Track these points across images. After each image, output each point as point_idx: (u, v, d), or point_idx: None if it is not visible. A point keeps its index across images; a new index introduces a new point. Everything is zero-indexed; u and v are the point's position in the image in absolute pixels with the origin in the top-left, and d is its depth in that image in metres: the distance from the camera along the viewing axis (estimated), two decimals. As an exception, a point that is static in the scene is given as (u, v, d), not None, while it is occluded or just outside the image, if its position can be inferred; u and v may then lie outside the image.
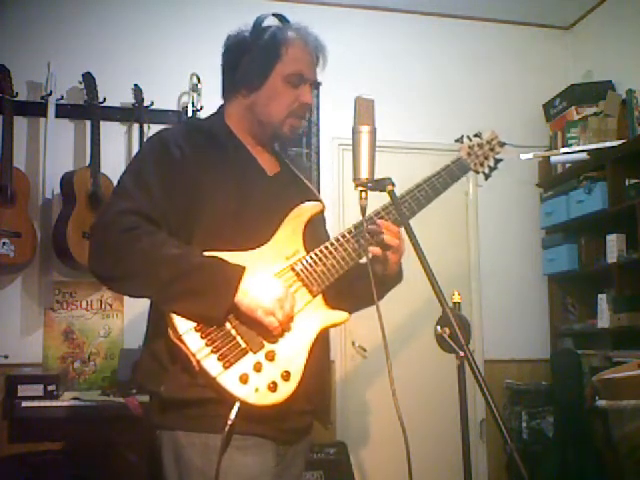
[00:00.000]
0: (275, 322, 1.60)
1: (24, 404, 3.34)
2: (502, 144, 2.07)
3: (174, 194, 1.68)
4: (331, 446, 3.84)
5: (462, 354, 1.38)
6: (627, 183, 3.82)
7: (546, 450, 3.87)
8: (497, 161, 2.06)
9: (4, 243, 3.55)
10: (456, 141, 2.01)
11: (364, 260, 1.77)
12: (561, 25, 4.80)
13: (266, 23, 1.81)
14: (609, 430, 3.03)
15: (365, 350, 4.21)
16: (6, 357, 3.63)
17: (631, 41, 4.23)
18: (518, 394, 4.21)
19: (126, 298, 3.87)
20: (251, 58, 1.77)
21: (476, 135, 2.04)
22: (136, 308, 3.77)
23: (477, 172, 2.02)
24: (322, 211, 1.82)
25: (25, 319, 3.80)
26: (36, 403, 3.36)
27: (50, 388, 3.43)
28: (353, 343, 4.22)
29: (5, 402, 3.52)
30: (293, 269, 1.70)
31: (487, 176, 2.05)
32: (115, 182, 4.04)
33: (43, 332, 3.80)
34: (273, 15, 1.83)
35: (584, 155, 4.07)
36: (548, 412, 4.02)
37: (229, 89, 1.85)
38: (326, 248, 1.73)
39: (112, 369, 3.80)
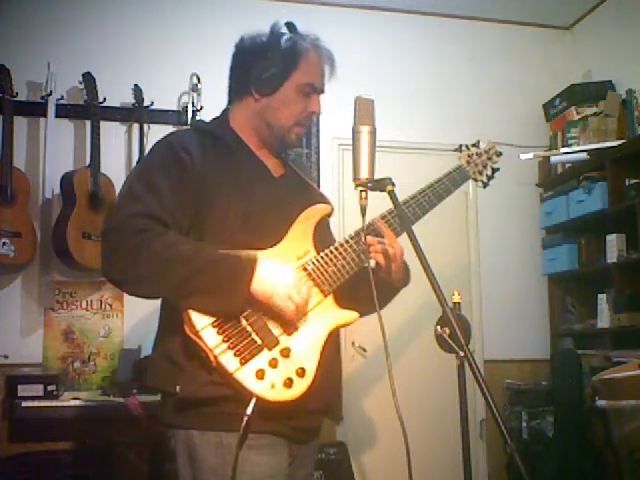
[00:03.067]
0: (292, 306, 1.62)
1: (24, 404, 3.34)
2: (499, 154, 2.14)
3: (183, 197, 1.69)
4: (331, 446, 3.85)
5: (462, 354, 1.38)
6: (627, 183, 3.82)
7: (546, 450, 3.87)
8: (494, 170, 2.12)
9: (4, 243, 3.55)
10: (455, 150, 2.06)
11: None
12: (561, 25, 4.80)
13: (282, 30, 1.84)
14: (609, 430, 3.03)
15: (365, 350, 4.21)
16: (6, 357, 3.63)
17: (631, 41, 4.23)
18: (518, 394, 4.20)
19: (126, 298, 3.87)
20: (268, 63, 1.79)
21: (474, 145, 2.10)
22: (136, 308, 3.78)
23: (476, 180, 2.08)
24: (331, 213, 1.86)
25: (25, 319, 3.80)
26: (36, 403, 3.36)
27: (50, 388, 3.42)
28: (353, 343, 4.22)
29: (5, 402, 3.52)
30: (305, 269, 1.72)
31: (485, 184, 2.10)
32: (115, 182, 4.06)
33: (43, 332, 3.80)
34: (286, 24, 1.85)
35: (584, 155, 4.07)
36: (548, 412, 4.02)
37: (238, 91, 1.86)
38: (336, 249, 1.75)
39: (112, 369, 3.80)
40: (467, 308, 4.32)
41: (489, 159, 2.10)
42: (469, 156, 2.06)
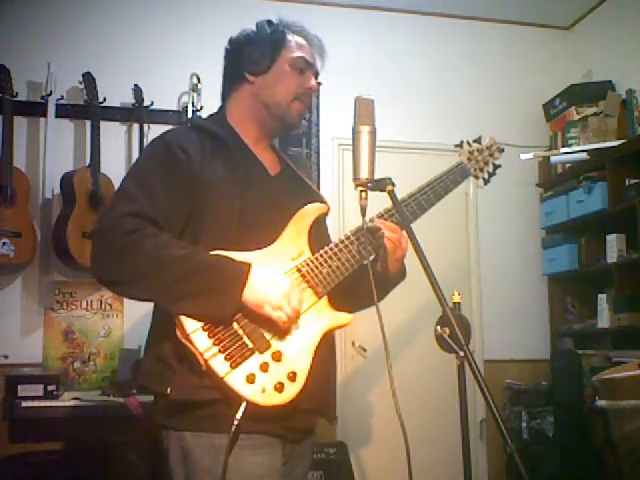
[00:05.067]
0: (284, 316, 1.60)
1: (24, 404, 3.34)
2: (501, 150, 2.10)
3: (177, 197, 1.68)
4: (331, 446, 3.84)
5: (462, 354, 1.38)
6: (627, 183, 3.82)
7: (546, 450, 3.87)
8: (496, 167, 2.09)
9: (4, 243, 3.55)
10: (456, 146, 2.03)
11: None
12: (561, 25, 4.80)
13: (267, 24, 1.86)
14: (609, 430, 3.03)
15: (365, 350, 4.21)
16: (6, 357, 3.63)
17: (631, 41, 4.23)
18: (518, 394, 4.20)
19: (126, 298, 3.87)
20: (256, 45, 1.82)
21: (476, 140, 2.06)
22: (136, 308, 3.77)
23: (477, 177, 2.04)
24: (327, 212, 1.84)
25: (25, 319, 3.80)
26: (36, 403, 3.35)
27: (50, 388, 3.42)
28: (353, 343, 4.22)
29: (5, 402, 3.52)
30: (299, 270, 1.70)
31: (486, 181, 2.07)
32: (115, 182, 4.07)
33: (43, 332, 3.80)
34: (267, 20, 1.87)
35: (584, 155, 4.07)
36: (548, 412, 4.02)
37: (232, 82, 1.87)
38: (331, 249, 1.73)
39: (112, 369, 3.80)
40: (467, 308, 4.33)
41: (490, 155, 2.06)
42: (470, 152, 2.03)
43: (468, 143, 2.05)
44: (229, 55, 1.88)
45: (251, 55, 1.81)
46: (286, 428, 1.69)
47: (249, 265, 1.60)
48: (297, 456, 1.78)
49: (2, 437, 3.54)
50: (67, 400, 3.44)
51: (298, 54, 1.82)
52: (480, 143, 2.06)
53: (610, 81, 4.28)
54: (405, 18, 4.58)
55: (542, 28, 4.79)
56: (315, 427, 1.84)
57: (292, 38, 1.83)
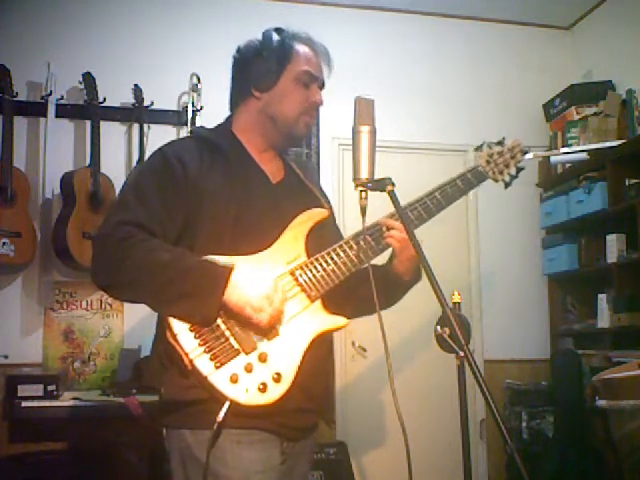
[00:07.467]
0: (265, 318, 1.62)
1: (24, 404, 3.34)
2: (525, 152, 2.03)
3: (172, 206, 1.71)
4: (331, 446, 3.84)
5: (462, 354, 1.38)
6: (627, 183, 3.82)
7: (546, 450, 3.87)
8: (519, 170, 2.02)
9: (4, 243, 3.55)
10: (476, 149, 2.00)
11: (379, 261, 1.78)
12: (561, 25, 4.80)
13: (272, 32, 1.86)
14: (609, 430, 3.03)
15: (365, 350, 4.21)
16: (6, 357, 3.63)
17: (631, 41, 4.23)
18: (518, 394, 4.21)
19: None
20: (263, 60, 1.81)
21: (499, 142, 2.01)
22: (136, 308, 3.73)
23: (496, 181, 1.99)
24: (327, 218, 1.84)
25: (25, 319, 3.80)
26: (36, 403, 3.36)
27: (50, 388, 3.42)
28: (353, 343, 4.22)
29: (5, 402, 3.52)
30: (292, 274, 1.72)
31: (507, 184, 2.01)
32: (115, 182, 4.08)
33: (43, 332, 3.80)
34: (275, 29, 1.87)
35: (584, 155, 4.07)
36: (548, 412, 4.02)
37: (240, 95, 1.88)
38: (328, 254, 1.74)
39: (112, 369, 3.80)
40: (467, 308, 4.32)
41: (512, 158, 2.00)
42: (490, 155, 1.98)
43: (489, 145, 2.00)
44: (237, 66, 1.89)
45: (257, 70, 1.81)
46: (281, 425, 1.69)
47: (231, 267, 1.62)
48: (296, 455, 1.78)
49: (2, 437, 3.54)
50: (67, 400, 3.44)
51: (304, 68, 1.82)
52: (503, 145, 2.00)
53: (610, 81, 4.28)
54: (405, 18, 4.58)
55: (542, 28, 4.79)
56: (316, 427, 1.84)
57: (298, 49, 1.82)
